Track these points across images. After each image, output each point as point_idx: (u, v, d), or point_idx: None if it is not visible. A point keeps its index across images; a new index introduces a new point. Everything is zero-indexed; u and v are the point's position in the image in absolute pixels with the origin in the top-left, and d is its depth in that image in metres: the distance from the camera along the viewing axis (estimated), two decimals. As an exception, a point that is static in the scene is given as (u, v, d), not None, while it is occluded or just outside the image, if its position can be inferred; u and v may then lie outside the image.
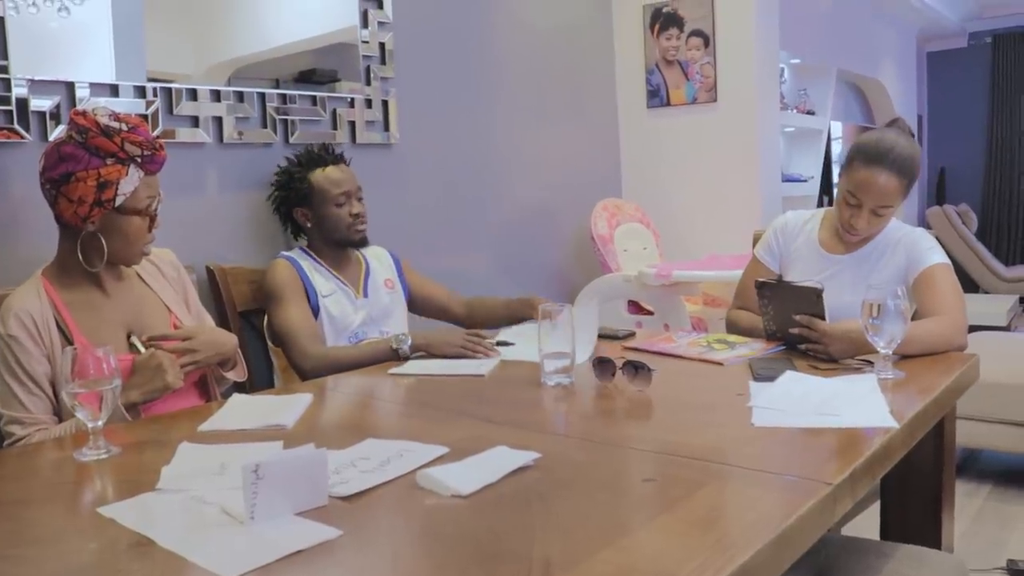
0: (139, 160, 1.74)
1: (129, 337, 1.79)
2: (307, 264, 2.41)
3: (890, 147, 2.02)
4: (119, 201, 1.73)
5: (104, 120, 1.71)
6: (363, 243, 2.46)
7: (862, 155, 2.04)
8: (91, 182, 1.69)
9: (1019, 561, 2.59)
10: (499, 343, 2.17)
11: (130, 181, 1.73)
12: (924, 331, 1.87)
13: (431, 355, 2.10)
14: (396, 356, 2.11)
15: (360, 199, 2.45)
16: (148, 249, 1.85)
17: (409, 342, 2.12)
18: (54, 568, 0.99)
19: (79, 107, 1.78)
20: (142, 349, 1.77)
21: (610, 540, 0.97)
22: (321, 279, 2.40)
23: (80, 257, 1.76)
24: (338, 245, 2.44)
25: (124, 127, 1.71)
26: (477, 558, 0.96)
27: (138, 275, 1.92)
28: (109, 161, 1.70)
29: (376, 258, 2.56)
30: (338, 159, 2.49)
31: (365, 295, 2.45)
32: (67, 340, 1.72)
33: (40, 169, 1.74)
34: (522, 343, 2.13)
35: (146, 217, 1.79)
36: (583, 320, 2.02)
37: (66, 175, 1.69)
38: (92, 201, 1.70)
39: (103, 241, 1.75)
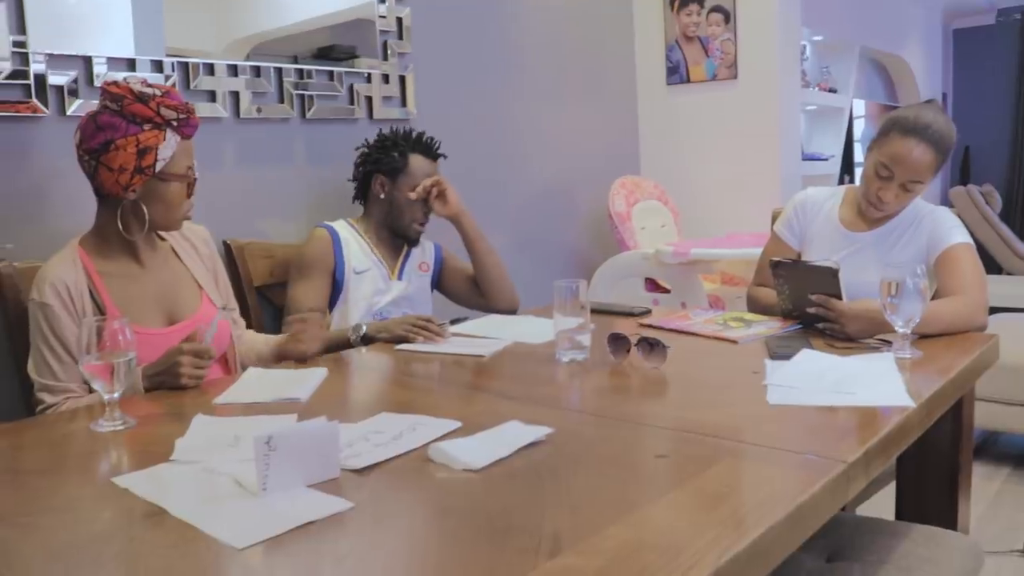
0: (175, 124, 1.76)
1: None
2: (348, 236, 2.43)
3: (929, 122, 2.00)
4: (159, 167, 1.75)
5: (137, 87, 1.73)
6: (414, 243, 2.50)
7: (899, 127, 2.02)
8: (131, 149, 1.71)
9: (1036, 543, 2.57)
10: (452, 321, 2.20)
11: (168, 146, 1.75)
12: (944, 310, 1.85)
13: (380, 339, 2.07)
14: (350, 344, 2.10)
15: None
16: (190, 214, 1.88)
17: (364, 330, 2.11)
18: (67, 537, 1.00)
19: (107, 79, 1.79)
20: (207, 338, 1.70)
21: (620, 515, 0.97)
22: (360, 253, 2.42)
23: (120, 226, 1.77)
24: (391, 231, 2.47)
25: (158, 92, 1.74)
26: (487, 532, 0.96)
27: (173, 250, 1.93)
28: (146, 127, 1.72)
29: (420, 246, 2.57)
30: (438, 155, 2.52)
31: (399, 277, 2.47)
32: (99, 309, 1.74)
33: (77, 141, 1.75)
34: (483, 330, 2.14)
35: (184, 182, 1.81)
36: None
37: (105, 144, 1.71)
38: (133, 168, 1.72)
39: (145, 209, 1.77)
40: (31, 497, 1.14)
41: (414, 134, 2.51)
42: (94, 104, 2.12)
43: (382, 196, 2.45)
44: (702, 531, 0.92)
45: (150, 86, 1.75)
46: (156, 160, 1.73)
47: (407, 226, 2.45)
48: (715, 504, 1.01)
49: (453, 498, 1.08)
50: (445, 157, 2.56)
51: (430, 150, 2.50)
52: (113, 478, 1.17)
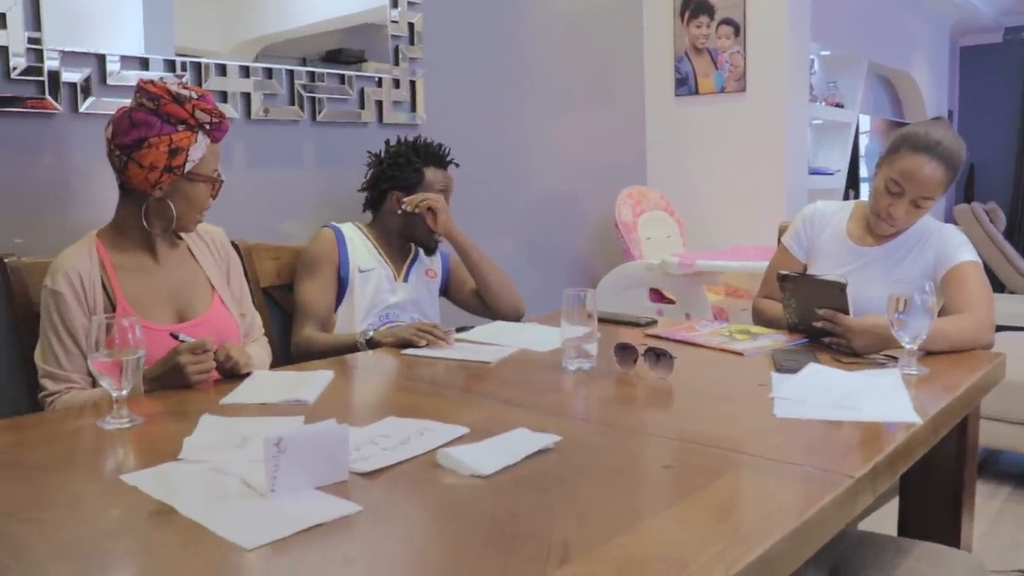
0: (207, 127, 1.79)
1: (177, 336, 1.75)
2: (353, 235, 2.46)
3: (940, 139, 2.01)
4: (188, 167, 1.77)
5: (175, 88, 1.75)
6: (433, 251, 2.53)
7: (910, 143, 2.03)
8: (163, 148, 1.73)
9: (1037, 563, 2.57)
10: (459, 329, 2.21)
11: (199, 148, 1.78)
12: (950, 328, 1.85)
13: (386, 344, 2.09)
14: (356, 348, 2.14)
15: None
16: (203, 216, 1.89)
17: (371, 334, 2.15)
18: (75, 533, 1.00)
19: (143, 78, 1.81)
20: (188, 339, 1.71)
21: (627, 526, 0.97)
22: (365, 253, 2.45)
23: (144, 222, 1.80)
24: (409, 239, 2.51)
25: (194, 95, 1.76)
26: (495, 539, 0.96)
27: (189, 249, 1.94)
28: (180, 128, 1.75)
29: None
30: (449, 163, 2.55)
31: (405, 280, 2.49)
32: (110, 301, 1.75)
33: (108, 135, 1.77)
34: (489, 337, 2.14)
35: (210, 184, 1.84)
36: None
37: (139, 141, 1.72)
38: (163, 167, 1.74)
39: (172, 207, 1.79)
40: (38, 493, 1.14)
41: (422, 143, 2.52)
42: (107, 102, 2.15)
43: (399, 211, 2.46)
44: (708, 544, 0.92)
45: (186, 88, 1.77)
46: (186, 161, 1.76)
47: (428, 236, 2.47)
48: (721, 517, 1.01)
49: (461, 504, 1.08)
50: (457, 165, 2.58)
51: (442, 160, 2.53)
52: (121, 475, 1.17)
